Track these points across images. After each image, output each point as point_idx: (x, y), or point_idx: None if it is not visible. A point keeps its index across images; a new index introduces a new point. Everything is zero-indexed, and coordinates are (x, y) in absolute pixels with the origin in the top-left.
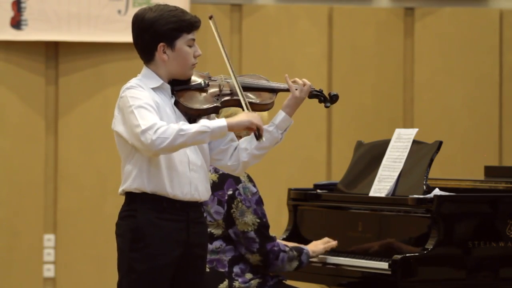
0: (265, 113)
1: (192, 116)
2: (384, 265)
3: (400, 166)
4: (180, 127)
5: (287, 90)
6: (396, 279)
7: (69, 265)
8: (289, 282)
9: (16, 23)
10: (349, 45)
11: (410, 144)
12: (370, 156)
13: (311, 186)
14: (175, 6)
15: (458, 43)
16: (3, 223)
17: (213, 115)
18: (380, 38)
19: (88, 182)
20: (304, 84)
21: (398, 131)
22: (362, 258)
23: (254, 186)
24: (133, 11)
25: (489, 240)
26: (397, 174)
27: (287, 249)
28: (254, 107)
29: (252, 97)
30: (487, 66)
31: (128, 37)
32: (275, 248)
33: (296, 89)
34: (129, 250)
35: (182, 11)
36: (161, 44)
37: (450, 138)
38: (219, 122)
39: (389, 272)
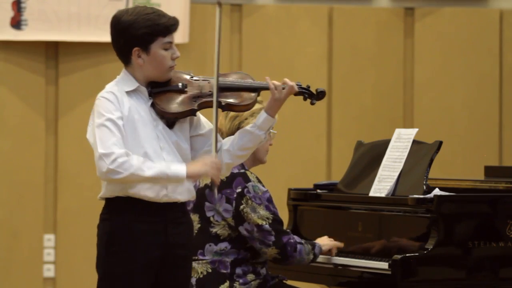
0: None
1: (168, 119)
2: (384, 265)
3: (400, 166)
4: (139, 166)
5: (268, 88)
6: (396, 279)
7: (69, 265)
8: (289, 282)
9: (16, 23)
10: (349, 45)
11: (410, 144)
12: (370, 156)
13: (311, 186)
14: (152, 9)
15: (458, 43)
16: (3, 223)
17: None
18: (380, 38)
19: (88, 182)
20: (284, 83)
21: (398, 131)
22: (362, 258)
23: (263, 186)
24: None
25: (489, 240)
26: (397, 174)
27: (303, 241)
28: (233, 108)
29: (232, 98)
30: (487, 66)
31: None
32: (292, 241)
33: (276, 90)
34: (105, 254)
35: (159, 14)
36: (136, 48)
37: (450, 138)
38: (179, 170)
39: (389, 272)
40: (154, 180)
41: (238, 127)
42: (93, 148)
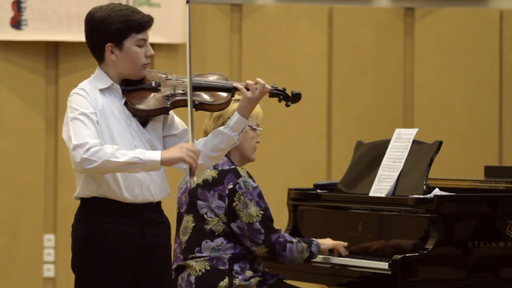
0: (259, 109)
1: (141, 117)
2: (384, 265)
3: (400, 166)
4: (113, 153)
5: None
6: (396, 279)
7: (69, 265)
8: (288, 282)
9: (16, 23)
10: (349, 45)
11: (410, 144)
12: (370, 156)
13: (311, 186)
14: (126, 5)
15: (458, 43)
16: (3, 223)
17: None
18: (380, 38)
19: None
20: (257, 83)
21: (398, 131)
22: (362, 258)
23: (254, 181)
24: None
25: (489, 240)
26: (397, 174)
27: (294, 240)
28: (206, 107)
29: (205, 97)
30: (487, 66)
31: None
32: (281, 239)
33: (249, 90)
34: (81, 255)
35: (133, 11)
36: (109, 44)
37: (450, 138)
38: (153, 155)
39: (389, 272)
40: (129, 165)
41: None
42: (67, 143)
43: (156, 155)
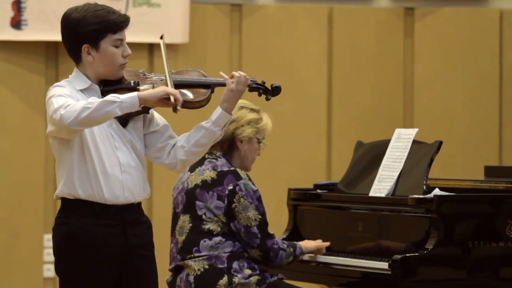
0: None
1: (121, 117)
2: (384, 265)
3: (400, 166)
4: (88, 101)
5: (223, 84)
6: (396, 279)
7: None
8: (288, 281)
9: (16, 23)
10: (349, 45)
11: (410, 144)
12: (370, 156)
13: (311, 186)
14: (102, 6)
15: (458, 43)
16: (3, 223)
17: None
18: (380, 38)
19: None
20: (240, 76)
21: (398, 131)
22: (362, 258)
23: (254, 184)
24: (133, 11)
25: (489, 240)
26: (397, 174)
27: (285, 246)
28: (187, 104)
29: (186, 93)
30: (487, 66)
31: (128, 37)
32: (275, 246)
33: (232, 82)
34: (64, 258)
35: (108, 11)
36: (85, 45)
37: (450, 138)
38: (130, 94)
39: (389, 272)
40: (108, 105)
41: (233, 133)
42: (49, 122)
43: (133, 93)
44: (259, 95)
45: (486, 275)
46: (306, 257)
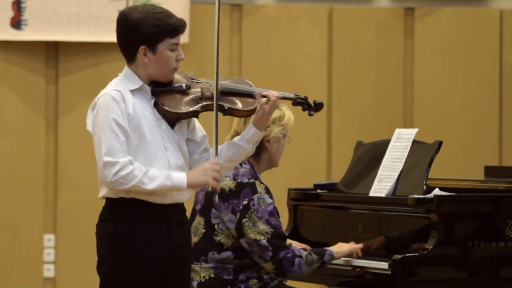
0: (292, 118)
1: (171, 119)
2: (384, 265)
3: (400, 166)
4: (141, 179)
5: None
6: (396, 279)
7: (69, 265)
8: (289, 283)
9: (16, 23)
10: (349, 45)
11: (410, 144)
12: (370, 156)
13: (311, 186)
14: (161, 8)
15: (458, 43)
16: (3, 223)
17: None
18: (380, 38)
19: (88, 182)
20: (275, 100)
21: (398, 131)
22: (362, 258)
23: (271, 197)
24: None
25: (489, 240)
26: (397, 174)
27: (304, 253)
28: (235, 112)
29: (235, 102)
30: (487, 66)
31: None
32: (289, 255)
33: (267, 103)
34: (109, 256)
35: (168, 15)
36: (143, 46)
37: (450, 138)
38: (180, 181)
39: (389, 272)
40: (158, 189)
41: None
42: (96, 148)
43: (182, 180)
44: (303, 110)
45: (486, 275)
46: (340, 261)
